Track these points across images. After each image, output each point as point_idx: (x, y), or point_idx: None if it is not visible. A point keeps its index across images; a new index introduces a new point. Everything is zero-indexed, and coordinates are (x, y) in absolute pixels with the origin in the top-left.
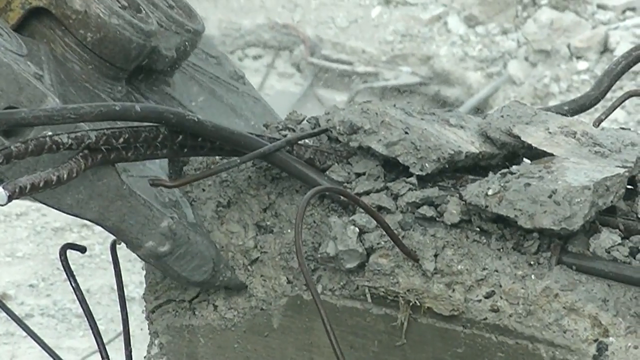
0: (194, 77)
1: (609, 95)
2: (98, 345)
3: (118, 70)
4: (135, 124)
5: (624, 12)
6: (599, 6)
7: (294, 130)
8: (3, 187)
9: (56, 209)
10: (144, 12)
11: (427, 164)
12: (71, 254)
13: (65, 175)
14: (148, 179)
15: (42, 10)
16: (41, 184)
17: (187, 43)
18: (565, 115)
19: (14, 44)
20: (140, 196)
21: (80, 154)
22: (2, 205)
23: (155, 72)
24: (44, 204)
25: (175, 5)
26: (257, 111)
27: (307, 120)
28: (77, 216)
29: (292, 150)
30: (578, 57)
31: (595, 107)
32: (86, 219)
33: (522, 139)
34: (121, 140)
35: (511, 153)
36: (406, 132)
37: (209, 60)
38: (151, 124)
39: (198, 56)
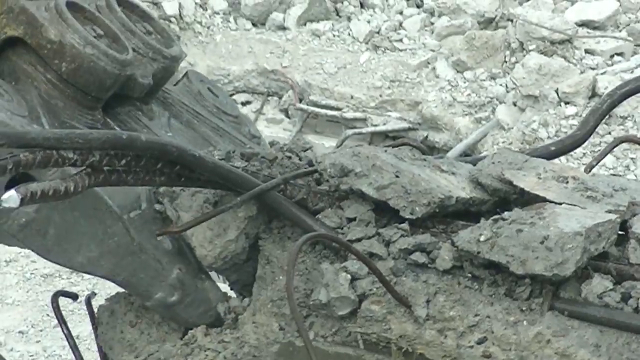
0: (190, 122)
1: (598, 140)
2: None
3: (94, 100)
4: None
5: (612, 57)
6: (587, 51)
7: (297, 154)
8: (16, 190)
9: (68, 267)
10: (121, 40)
11: (417, 208)
12: (61, 300)
13: (72, 188)
14: (155, 231)
15: (17, 40)
16: (50, 192)
17: (164, 69)
18: (552, 155)
19: (14, 104)
20: (150, 251)
21: (84, 171)
22: (14, 208)
23: (132, 99)
24: (56, 263)
25: (153, 30)
26: None
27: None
28: (88, 273)
29: (285, 189)
30: (566, 102)
31: (585, 153)
32: (97, 276)
33: (514, 183)
34: (123, 162)
35: (502, 199)
36: (397, 176)
37: (223, 117)
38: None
39: (208, 109)
